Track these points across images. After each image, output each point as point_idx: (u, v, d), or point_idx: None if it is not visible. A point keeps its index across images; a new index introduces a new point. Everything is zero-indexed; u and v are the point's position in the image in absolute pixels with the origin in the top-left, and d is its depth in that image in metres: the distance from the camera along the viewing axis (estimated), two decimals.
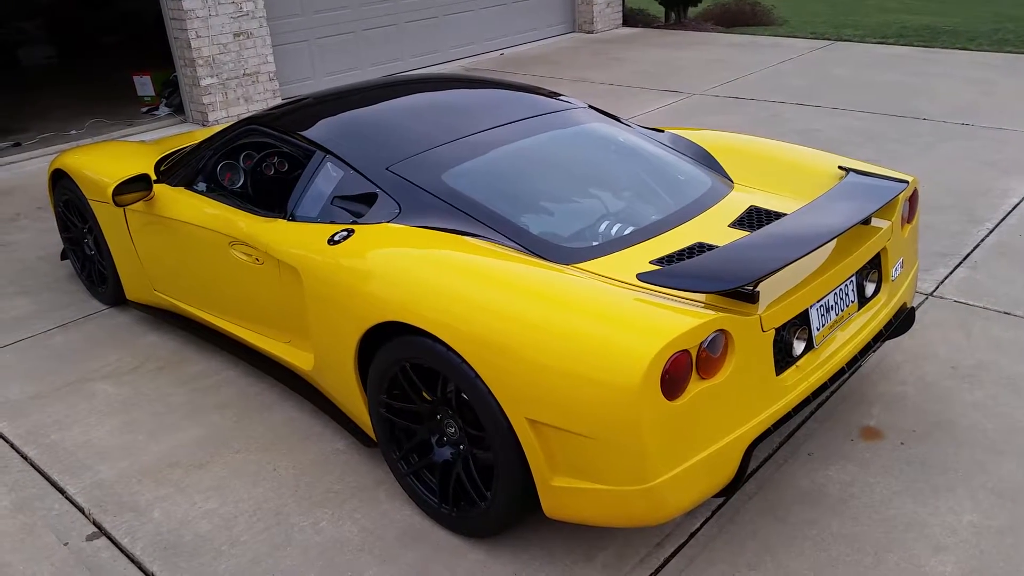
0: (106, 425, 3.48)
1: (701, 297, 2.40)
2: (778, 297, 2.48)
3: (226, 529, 2.87)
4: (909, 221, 3.15)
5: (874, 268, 2.94)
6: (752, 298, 2.39)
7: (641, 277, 2.38)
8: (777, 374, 2.51)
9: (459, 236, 2.75)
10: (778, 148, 3.48)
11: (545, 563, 2.64)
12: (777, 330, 2.49)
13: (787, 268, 2.58)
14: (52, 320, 4.39)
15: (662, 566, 2.61)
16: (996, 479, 2.88)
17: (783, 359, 2.55)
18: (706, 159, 3.46)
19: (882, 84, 8.04)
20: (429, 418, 2.73)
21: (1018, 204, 5.11)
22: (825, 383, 2.65)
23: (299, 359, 3.20)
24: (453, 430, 2.67)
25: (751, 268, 2.33)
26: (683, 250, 2.70)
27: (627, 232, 2.86)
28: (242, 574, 2.67)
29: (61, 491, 3.08)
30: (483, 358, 2.38)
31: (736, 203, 3.11)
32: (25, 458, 3.28)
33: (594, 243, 2.78)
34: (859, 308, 2.86)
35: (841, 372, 2.72)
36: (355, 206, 3.03)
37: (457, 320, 2.44)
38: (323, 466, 3.15)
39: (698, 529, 2.74)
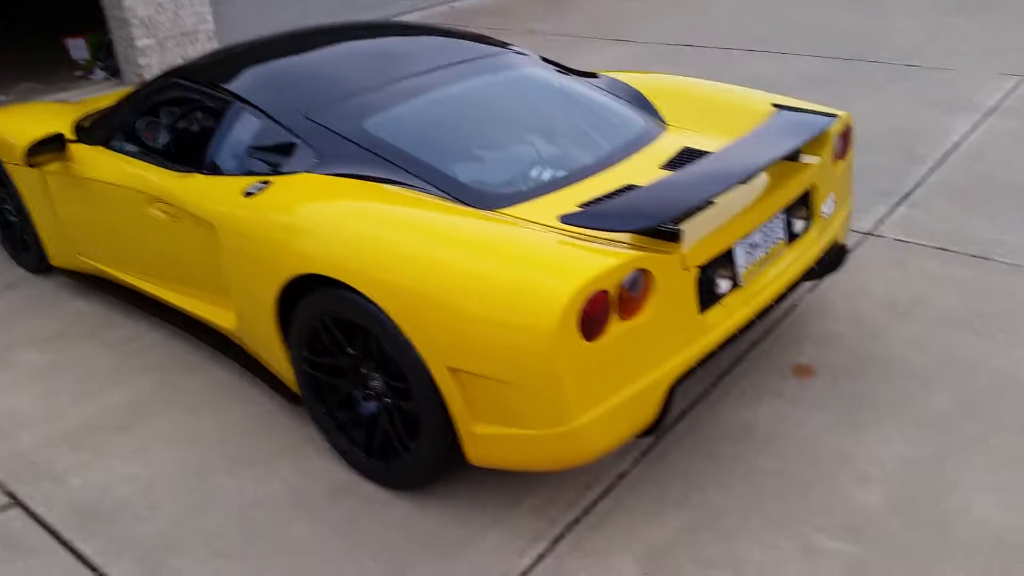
0: (29, 393, 3.37)
1: (624, 237, 2.34)
2: (702, 236, 2.43)
3: (146, 493, 2.79)
4: (842, 158, 3.11)
5: (804, 205, 2.90)
6: (675, 236, 2.34)
7: (563, 219, 2.31)
8: (701, 312, 2.47)
9: (378, 184, 2.67)
10: (712, 88, 3.42)
11: (474, 511, 2.61)
12: (701, 268, 2.45)
13: (714, 206, 2.54)
14: None
15: (590, 507, 2.59)
16: (925, 411, 2.88)
17: (708, 297, 2.51)
18: (640, 101, 3.38)
19: (839, 27, 7.98)
20: (352, 372, 2.66)
21: (959, 143, 5.10)
22: (752, 320, 2.62)
23: (222, 318, 3.11)
24: (377, 383, 2.61)
25: (671, 206, 2.27)
26: (612, 192, 2.64)
27: (556, 176, 2.79)
28: (161, 537, 2.61)
29: None
30: (400, 307, 2.31)
31: (669, 145, 3.04)
32: None
33: (522, 188, 2.70)
34: (788, 245, 2.83)
35: (769, 309, 2.69)
36: (273, 157, 2.92)
37: (373, 270, 2.36)
38: (249, 426, 3.08)
39: (628, 471, 2.72)
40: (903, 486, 2.58)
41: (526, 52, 3.62)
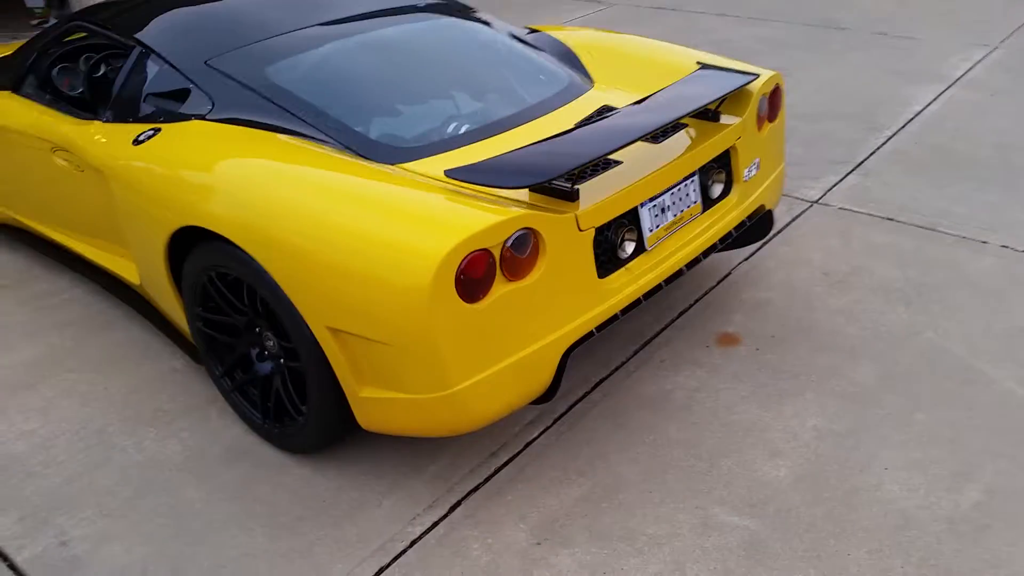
0: None
1: (516, 194, 2.24)
2: (602, 196, 2.33)
3: (43, 450, 2.71)
4: (771, 120, 3.01)
5: (723, 168, 2.80)
6: (571, 196, 2.24)
7: (449, 173, 2.21)
8: (601, 277, 2.38)
9: (269, 133, 2.55)
10: (642, 45, 3.29)
11: (372, 478, 2.54)
12: (599, 230, 2.35)
13: (618, 166, 2.44)
14: None
15: (491, 476, 2.52)
16: (848, 384, 2.81)
17: (609, 261, 2.42)
18: (568, 58, 3.26)
19: None
20: (247, 331, 2.57)
21: (919, 112, 4.99)
22: (659, 286, 2.53)
23: (128, 272, 3.01)
24: (272, 343, 2.52)
25: (560, 162, 2.16)
26: (562, 132, 2.50)
27: (470, 130, 2.67)
28: (52, 494, 2.53)
29: None
30: (280, 264, 2.21)
31: (590, 102, 2.93)
32: None
33: (431, 142, 2.59)
34: (704, 210, 2.73)
35: (678, 275, 2.60)
36: (168, 103, 2.80)
37: (253, 223, 2.26)
38: (156, 385, 2.99)
39: (535, 438, 2.65)
40: (814, 461, 2.51)
41: (463, 4, 3.48)
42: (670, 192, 2.55)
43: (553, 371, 2.28)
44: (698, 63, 3.02)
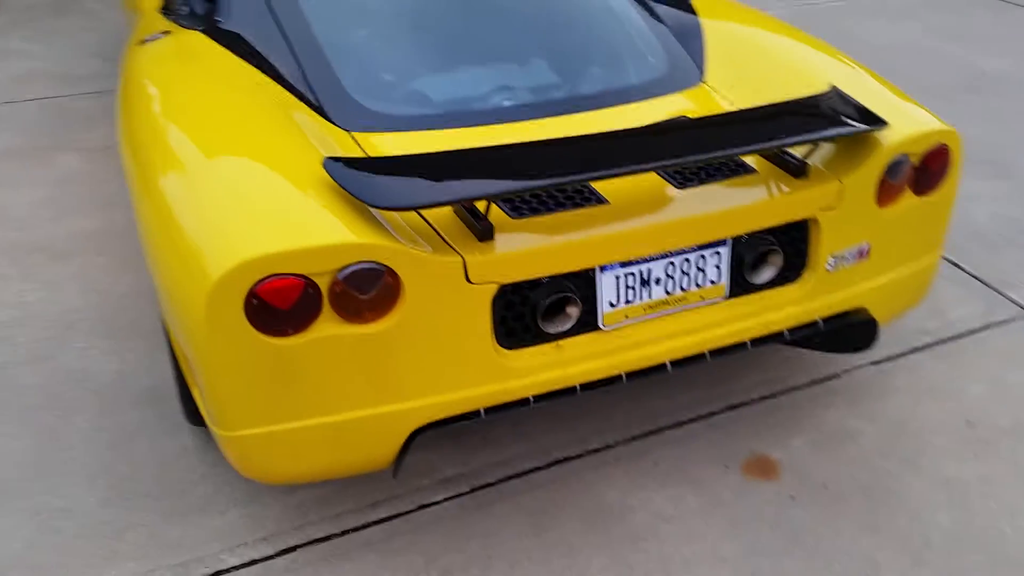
0: None
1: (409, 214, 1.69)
2: (537, 244, 1.68)
3: (19, 325, 2.72)
4: (920, 192, 2.05)
5: (784, 246, 1.95)
6: (483, 234, 1.64)
7: (328, 163, 1.68)
8: (508, 347, 1.75)
9: (240, 66, 2.16)
10: (785, 45, 2.40)
11: (241, 479, 2.19)
12: (509, 288, 1.71)
13: (601, 205, 1.77)
14: None
15: (351, 531, 2.05)
16: None
17: (526, 331, 1.77)
18: (688, 38, 2.48)
19: None
20: None
21: None
22: (614, 379, 1.84)
23: None
24: None
25: (439, 189, 1.56)
26: (501, 145, 1.91)
27: (474, 109, 2.12)
28: None
29: None
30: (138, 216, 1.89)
31: (667, 107, 2.20)
32: None
33: (411, 113, 2.09)
34: (731, 294, 1.92)
35: (657, 369, 1.87)
36: (196, 4, 2.55)
37: (130, 163, 1.96)
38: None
39: (434, 504, 2.12)
40: None
41: None
42: (667, 260, 1.81)
43: (396, 448, 1.73)
44: (831, 86, 2.12)
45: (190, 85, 2.09)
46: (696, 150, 1.68)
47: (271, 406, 1.63)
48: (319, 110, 2.05)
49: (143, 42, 2.44)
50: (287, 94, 2.08)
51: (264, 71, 2.15)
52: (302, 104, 2.05)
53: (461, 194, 1.55)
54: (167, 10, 2.72)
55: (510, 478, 2.19)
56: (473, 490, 2.16)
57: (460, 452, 2.24)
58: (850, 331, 2.10)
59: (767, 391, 2.48)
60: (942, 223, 2.16)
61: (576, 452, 2.26)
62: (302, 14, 2.27)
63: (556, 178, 1.59)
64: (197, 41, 2.32)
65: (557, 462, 2.24)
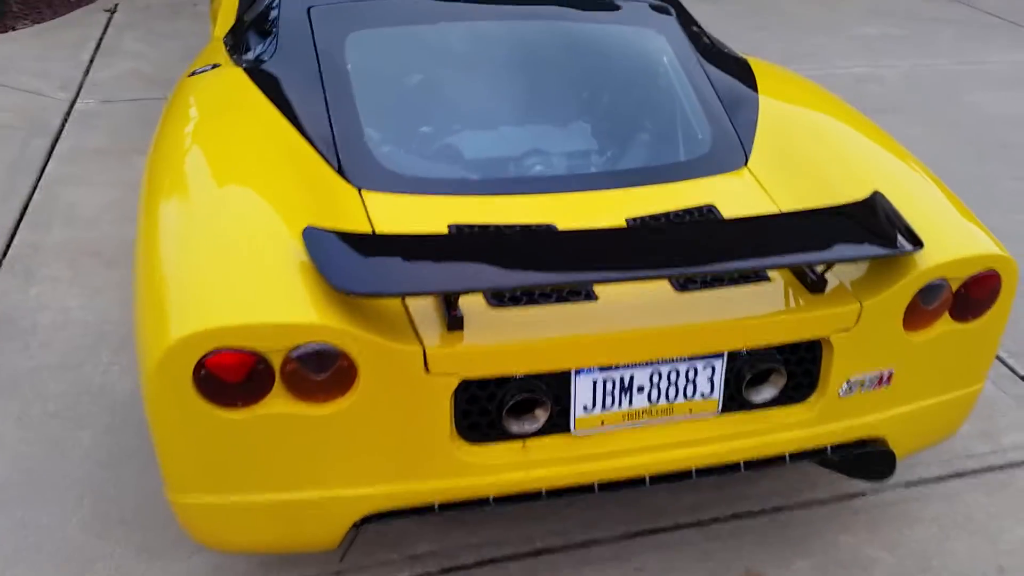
0: None
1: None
2: (507, 339, 1.59)
3: (56, 329, 2.82)
4: (960, 319, 1.85)
5: (801, 364, 1.79)
6: (452, 324, 1.57)
7: (307, 233, 1.64)
8: (470, 441, 1.67)
9: (267, 111, 2.15)
10: (842, 137, 2.22)
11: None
12: (473, 384, 1.62)
13: (589, 301, 1.67)
14: None
15: None
16: None
17: (490, 426, 1.68)
18: (744, 115, 2.33)
19: None
20: None
21: None
22: (585, 487, 1.72)
23: None
24: None
25: (412, 279, 1.49)
26: (490, 233, 1.83)
27: (494, 177, 2.06)
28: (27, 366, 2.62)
29: None
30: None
31: (701, 192, 2.08)
32: None
33: (428, 175, 2.04)
34: (723, 410, 1.78)
35: (634, 483, 1.74)
36: (250, 40, 2.56)
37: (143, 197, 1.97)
38: None
39: None
40: None
41: (677, 5, 2.65)
42: (653, 368, 1.69)
43: (342, 533, 1.68)
44: (874, 191, 1.94)
45: (210, 129, 2.10)
46: (701, 262, 1.56)
47: (217, 476, 1.60)
48: (336, 163, 2.02)
49: (192, 73, 2.49)
50: (306, 144, 2.06)
51: (290, 118, 2.14)
52: (318, 155, 2.03)
53: (434, 287, 1.48)
54: (229, 38, 2.76)
55: (483, 563, 2.10)
56: (443, 571, 2.08)
57: (436, 527, 2.16)
58: (864, 461, 1.92)
59: (781, 502, 2.30)
60: (986, 352, 1.94)
61: (558, 544, 2.15)
62: (346, 70, 2.25)
63: (542, 278, 1.50)
64: (236, 80, 2.33)
65: (536, 552, 2.13)
